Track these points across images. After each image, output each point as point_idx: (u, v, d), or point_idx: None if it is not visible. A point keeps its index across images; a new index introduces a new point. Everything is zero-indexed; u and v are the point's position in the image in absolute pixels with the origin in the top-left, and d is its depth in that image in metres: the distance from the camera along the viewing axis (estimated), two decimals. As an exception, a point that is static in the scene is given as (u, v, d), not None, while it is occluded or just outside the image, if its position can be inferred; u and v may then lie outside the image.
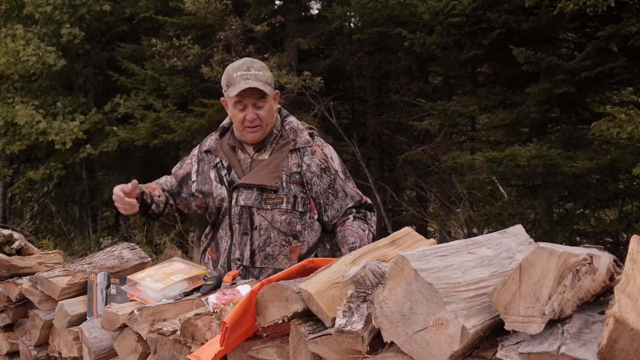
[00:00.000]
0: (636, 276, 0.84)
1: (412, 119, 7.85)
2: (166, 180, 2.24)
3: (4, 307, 2.23)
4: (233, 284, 1.68)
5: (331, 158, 2.10)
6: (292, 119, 2.15)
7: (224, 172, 2.10)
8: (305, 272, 1.28)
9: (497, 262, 0.99)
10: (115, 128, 8.61)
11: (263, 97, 2.00)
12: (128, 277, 1.79)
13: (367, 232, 2.05)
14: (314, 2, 9.70)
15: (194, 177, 2.18)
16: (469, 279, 0.91)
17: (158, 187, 2.18)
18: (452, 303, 0.85)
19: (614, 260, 0.91)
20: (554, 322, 0.82)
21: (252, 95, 1.99)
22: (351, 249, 1.92)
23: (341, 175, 2.09)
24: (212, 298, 1.47)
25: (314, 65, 8.19)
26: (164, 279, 1.72)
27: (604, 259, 0.87)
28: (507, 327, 0.83)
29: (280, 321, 1.15)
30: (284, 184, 2.01)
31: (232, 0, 7.79)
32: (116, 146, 8.67)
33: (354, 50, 8.86)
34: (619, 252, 5.63)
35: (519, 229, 1.18)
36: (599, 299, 0.88)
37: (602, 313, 0.82)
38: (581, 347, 0.76)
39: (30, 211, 11.17)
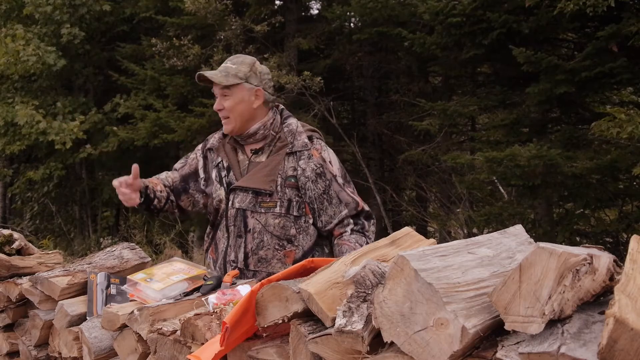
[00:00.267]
0: (636, 276, 0.84)
1: (412, 119, 7.85)
2: (167, 176, 2.23)
3: (4, 307, 2.23)
4: (233, 284, 1.68)
5: (330, 162, 2.06)
6: (291, 121, 2.12)
7: (223, 173, 2.10)
8: (305, 272, 1.28)
9: (497, 262, 0.99)
10: (115, 128, 8.61)
11: (227, 87, 2.01)
12: (128, 277, 1.79)
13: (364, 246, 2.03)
14: (314, 2, 9.71)
15: (201, 174, 2.18)
16: (469, 279, 0.91)
17: (160, 183, 2.17)
18: (452, 303, 0.85)
19: (614, 260, 0.91)
20: (554, 322, 0.82)
21: (218, 85, 2.02)
22: None
23: (339, 180, 2.05)
24: (212, 298, 1.47)
25: (314, 65, 8.19)
26: (164, 279, 1.72)
27: (604, 259, 0.87)
28: (507, 327, 0.83)
29: (280, 321, 1.15)
30: (279, 187, 1.99)
31: (232, 0, 7.79)
32: (116, 146, 8.68)
33: (354, 50, 8.86)
34: (619, 252, 5.63)
35: (519, 229, 1.18)
36: (599, 299, 0.88)
37: (602, 313, 0.82)
38: (581, 347, 0.76)
39: (30, 211, 11.17)
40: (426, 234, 8.47)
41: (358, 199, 2.06)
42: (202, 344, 1.30)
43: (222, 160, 2.12)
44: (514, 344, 0.85)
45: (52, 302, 1.98)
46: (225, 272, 2.00)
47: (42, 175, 9.39)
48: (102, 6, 8.87)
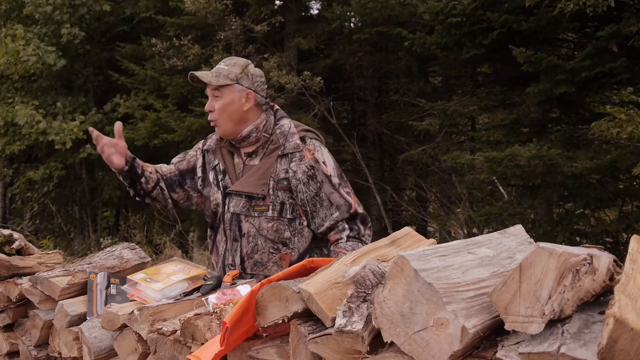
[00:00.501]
0: (636, 276, 0.84)
1: (412, 119, 7.85)
2: (161, 166, 2.21)
3: (4, 307, 2.23)
4: (233, 284, 1.68)
5: (323, 162, 2.01)
6: (284, 122, 2.08)
7: (220, 177, 2.09)
8: (305, 272, 1.28)
9: (497, 262, 0.99)
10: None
11: (218, 88, 2.00)
12: (128, 277, 1.79)
13: (364, 246, 2.00)
14: (314, 2, 9.71)
15: (199, 173, 2.17)
16: (469, 279, 0.91)
17: (151, 167, 2.16)
18: (452, 303, 0.85)
19: (614, 260, 0.91)
20: (554, 322, 0.82)
21: (210, 85, 2.02)
22: None
23: (334, 180, 2.00)
24: (212, 298, 1.47)
25: (314, 65, 8.20)
26: (164, 279, 1.72)
27: (604, 259, 0.87)
28: (507, 327, 0.83)
29: (280, 321, 1.15)
30: (271, 190, 1.98)
31: (232, 0, 7.80)
32: (116, 146, 8.66)
33: (354, 50, 8.86)
34: (619, 252, 5.63)
35: (519, 229, 1.18)
36: (599, 299, 0.88)
37: (602, 313, 0.82)
38: (581, 347, 0.76)
39: (30, 211, 11.17)
40: (426, 234, 8.47)
41: (352, 200, 2.01)
42: (202, 344, 1.30)
43: (218, 163, 2.11)
44: (514, 344, 0.85)
45: (52, 302, 1.98)
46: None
47: (42, 175, 9.39)
48: (102, 6, 8.87)
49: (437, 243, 1.10)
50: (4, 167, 10.51)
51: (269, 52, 7.99)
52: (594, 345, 0.76)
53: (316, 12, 9.73)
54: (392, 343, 0.92)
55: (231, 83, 2.00)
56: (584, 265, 0.82)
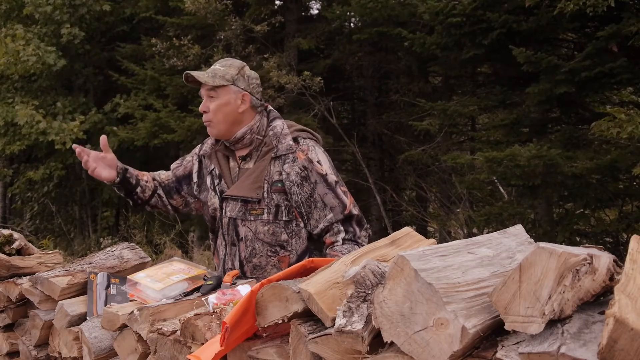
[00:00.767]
0: (636, 276, 0.84)
1: (412, 119, 7.86)
2: (160, 173, 2.22)
3: (4, 307, 2.23)
4: (233, 284, 1.68)
5: (318, 162, 1.98)
6: (276, 123, 2.05)
7: (216, 181, 2.08)
8: (305, 272, 1.28)
9: (497, 262, 0.99)
10: (115, 128, 8.61)
11: (213, 89, 1.98)
12: (128, 277, 1.79)
13: (364, 246, 1.99)
14: (314, 2, 9.71)
15: (195, 178, 2.17)
16: (469, 279, 0.91)
17: (148, 175, 2.17)
18: (452, 303, 0.85)
19: (614, 260, 0.91)
20: (554, 322, 0.82)
21: (205, 85, 2.00)
22: None
23: (330, 179, 1.97)
24: (212, 298, 1.47)
25: (314, 65, 8.20)
26: (164, 279, 1.71)
27: (604, 259, 0.87)
28: (507, 327, 0.83)
29: (280, 321, 1.15)
30: (265, 193, 1.96)
31: (232, 0, 7.80)
32: (116, 146, 8.67)
33: (354, 50, 8.86)
34: (619, 252, 5.63)
35: (519, 229, 1.18)
36: (599, 299, 0.88)
37: (602, 313, 0.82)
38: (581, 347, 0.76)
39: (30, 211, 11.17)
40: (426, 234, 8.47)
41: (348, 200, 1.98)
42: (202, 344, 1.30)
43: (214, 168, 2.10)
44: (514, 344, 0.85)
45: (52, 302, 1.98)
46: None
47: (42, 175, 9.39)
48: (102, 6, 8.87)
49: (437, 243, 1.10)
50: (4, 167, 10.51)
51: (269, 52, 8.00)
52: (594, 345, 0.76)
53: (316, 12, 9.74)
54: (392, 343, 0.92)
55: (227, 84, 1.98)
56: (584, 265, 0.82)
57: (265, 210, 1.96)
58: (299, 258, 1.98)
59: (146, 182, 2.13)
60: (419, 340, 0.87)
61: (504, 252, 1.03)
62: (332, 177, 1.98)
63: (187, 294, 1.67)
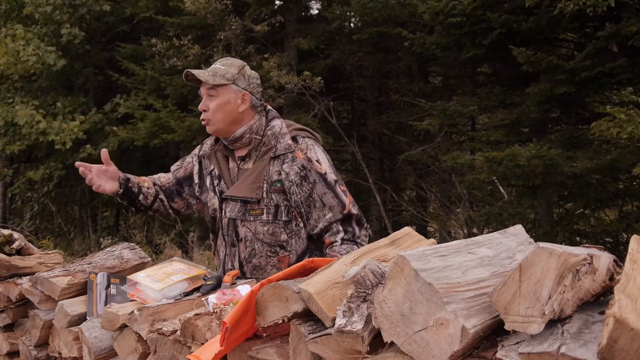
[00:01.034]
0: (636, 276, 0.84)
1: (412, 119, 7.86)
2: (160, 176, 2.21)
3: (4, 307, 2.23)
4: (233, 284, 1.68)
5: (317, 161, 1.97)
6: (275, 122, 2.04)
7: (216, 182, 2.08)
8: (305, 272, 1.28)
9: (497, 262, 0.99)
10: (115, 128, 8.61)
11: (214, 88, 1.98)
12: (128, 277, 1.79)
13: (364, 246, 1.98)
14: (314, 2, 9.72)
15: (196, 179, 2.17)
16: (469, 279, 0.91)
17: (148, 180, 2.16)
18: (452, 303, 0.85)
19: (614, 260, 0.91)
20: (554, 322, 0.82)
21: (205, 84, 1.99)
22: None
23: (329, 178, 1.96)
24: (212, 298, 1.47)
25: (314, 65, 8.20)
26: (164, 279, 1.71)
27: (604, 259, 0.87)
28: (507, 327, 0.83)
29: (280, 321, 1.15)
30: (265, 193, 1.95)
31: (232, 0, 7.80)
32: (116, 146, 8.68)
33: (354, 50, 8.87)
34: (619, 252, 5.63)
35: (519, 229, 1.18)
36: (599, 299, 0.88)
37: (602, 313, 0.82)
38: (581, 347, 0.76)
39: (30, 211, 11.17)
40: (426, 234, 8.47)
41: (347, 200, 1.97)
42: (202, 344, 1.30)
43: (214, 168, 2.10)
44: (514, 344, 0.85)
45: (52, 302, 1.98)
46: None
47: (42, 175, 9.39)
48: (102, 6, 8.87)
49: (437, 243, 1.10)
50: (4, 167, 10.51)
51: (269, 52, 8.00)
52: (594, 345, 0.76)
53: (316, 12, 9.74)
54: (392, 343, 0.92)
55: (227, 83, 1.98)
56: (584, 265, 0.82)
57: (265, 211, 1.96)
58: (299, 258, 1.97)
59: (147, 188, 2.13)
60: (419, 340, 0.87)
61: (504, 252, 1.03)
62: (331, 176, 1.98)
63: (187, 294, 1.67)
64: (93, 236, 9.77)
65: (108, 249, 2.26)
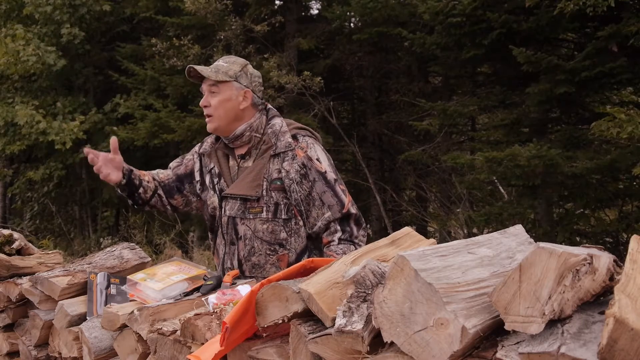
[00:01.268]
0: (636, 276, 0.84)
1: (412, 119, 7.86)
2: (158, 172, 2.21)
3: (4, 307, 2.23)
4: (233, 284, 1.68)
5: (317, 159, 1.98)
6: (275, 121, 2.05)
7: (215, 180, 2.08)
8: (305, 272, 1.28)
9: (497, 262, 0.99)
10: (115, 128, 8.61)
11: (216, 84, 1.98)
12: (128, 277, 1.79)
13: (364, 246, 1.97)
14: (314, 2, 9.72)
15: (197, 177, 2.17)
16: (469, 279, 0.91)
17: (148, 174, 2.16)
18: (452, 303, 0.85)
19: (614, 260, 0.91)
20: (554, 322, 0.82)
21: (208, 81, 2.00)
22: None
23: (329, 177, 1.97)
24: (212, 298, 1.47)
25: (314, 65, 8.20)
26: (164, 279, 1.72)
27: (604, 259, 0.87)
28: (507, 327, 0.83)
29: (280, 321, 1.15)
30: (264, 191, 1.96)
31: (232, 0, 7.80)
32: (116, 146, 8.66)
33: (354, 50, 8.87)
34: (619, 252, 5.63)
35: (519, 229, 1.18)
36: (599, 299, 0.88)
37: (602, 313, 0.82)
38: (581, 347, 0.76)
39: (30, 211, 11.17)
40: (426, 234, 8.47)
41: (346, 199, 1.97)
42: (202, 344, 1.30)
43: (214, 167, 2.10)
44: (514, 344, 0.85)
45: (52, 302, 1.98)
46: None
47: (42, 175, 9.39)
48: (102, 6, 8.87)
49: (437, 243, 1.10)
50: (4, 167, 10.51)
51: (269, 52, 8.00)
52: (594, 345, 0.76)
53: (316, 12, 9.74)
54: (392, 343, 0.92)
55: (230, 80, 1.99)
56: (584, 265, 0.82)
57: (265, 209, 1.96)
58: (298, 256, 1.97)
59: (147, 182, 2.12)
60: (419, 340, 0.87)
61: (504, 252, 1.03)
62: (331, 175, 1.98)
63: (187, 294, 1.67)
64: (93, 236, 9.76)
65: (108, 249, 2.26)
